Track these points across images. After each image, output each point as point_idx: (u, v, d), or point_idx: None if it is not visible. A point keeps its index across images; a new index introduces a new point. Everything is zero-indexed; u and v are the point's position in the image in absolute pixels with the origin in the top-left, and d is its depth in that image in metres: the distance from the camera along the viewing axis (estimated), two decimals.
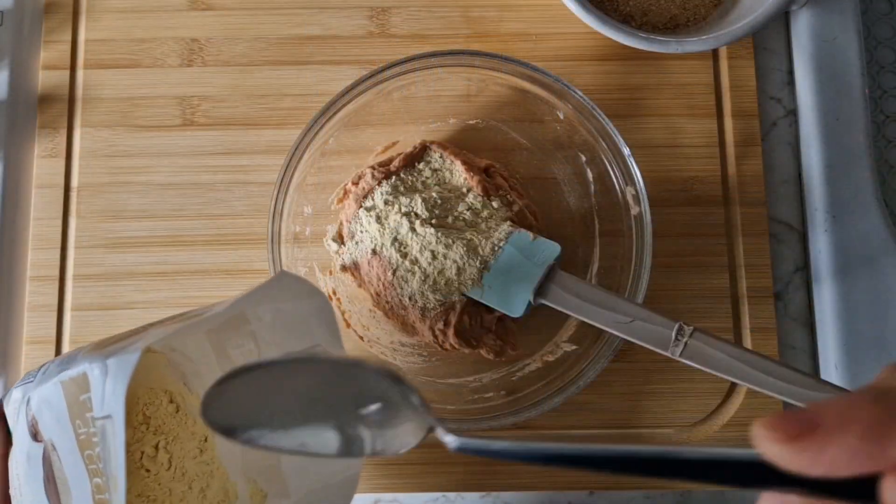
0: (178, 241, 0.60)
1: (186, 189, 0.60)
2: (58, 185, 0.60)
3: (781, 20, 0.63)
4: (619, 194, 0.55)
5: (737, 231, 0.60)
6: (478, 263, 0.52)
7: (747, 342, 0.59)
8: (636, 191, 0.53)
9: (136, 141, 0.61)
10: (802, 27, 0.62)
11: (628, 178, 0.54)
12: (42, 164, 0.60)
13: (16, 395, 0.40)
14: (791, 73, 0.63)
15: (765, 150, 0.62)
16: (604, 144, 0.54)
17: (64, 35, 0.62)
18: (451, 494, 0.58)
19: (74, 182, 0.60)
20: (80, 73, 0.62)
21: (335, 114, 0.54)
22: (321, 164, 0.56)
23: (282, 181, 0.53)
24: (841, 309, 0.58)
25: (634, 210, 0.53)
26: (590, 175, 0.57)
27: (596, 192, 0.57)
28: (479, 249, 0.53)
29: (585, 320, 0.50)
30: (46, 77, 0.61)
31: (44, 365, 0.40)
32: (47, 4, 0.62)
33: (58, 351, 0.58)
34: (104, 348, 0.33)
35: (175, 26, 0.62)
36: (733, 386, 0.58)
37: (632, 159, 0.53)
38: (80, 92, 0.61)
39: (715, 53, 0.62)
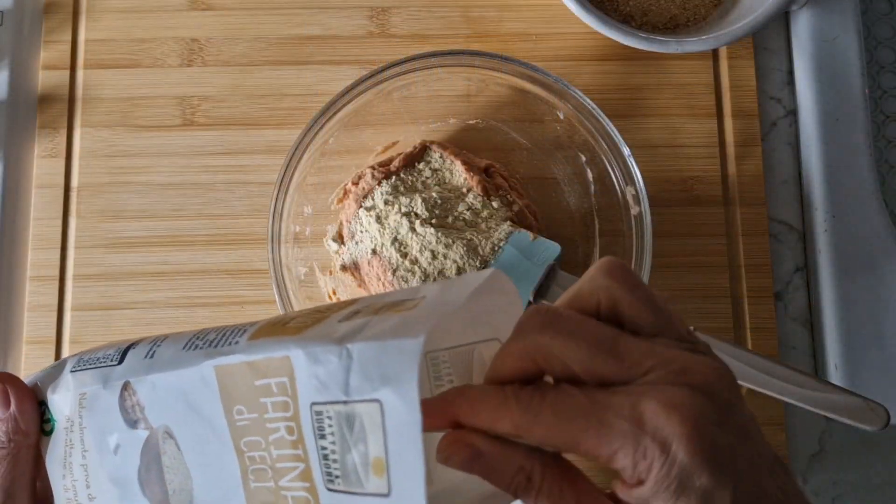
0: (178, 241, 0.60)
1: (186, 189, 0.61)
2: (58, 185, 0.60)
3: (781, 20, 0.64)
4: (620, 194, 0.55)
5: (737, 231, 0.60)
6: (477, 263, 0.52)
7: (747, 342, 0.59)
8: (636, 191, 0.53)
9: (136, 141, 0.61)
10: (802, 27, 0.62)
11: (628, 178, 0.54)
12: (42, 164, 0.61)
13: (76, 380, 0.38)
14: (791, 73, 0.63)
15: (765, 150, 0.62)
16: (604, 144, 0.55)
17: (64, 35, 0.62)
18: None
19: (74, 182, 0.61)
20: (80, 73, 0.62)
21: (335, 114, 0.54)
22: (321, 164, 0.56)
23: (282, 181, 0.53)
24: (841, 309, 0.58)
25: (634, 210, 0.54)
26: (590, 175, 0.57)
27: (596, 193, 0.57)
28: (479, 249, 0.53)
29: None
30: (46, 77, 0.62)
31: (119, 352, 0.38)
32: (47, 4, 0.63)
33: (58, 351, 0.58)
34: (302, 333, 0.32)
35: (175, 26, 0.63)
36: None
37: (632, 159, 0.53)
38: (80, 92, 0.62)
39: (715, 53, 0.63)
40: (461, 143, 0.59)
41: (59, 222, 0.60)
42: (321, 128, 0.54)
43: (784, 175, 0.62)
